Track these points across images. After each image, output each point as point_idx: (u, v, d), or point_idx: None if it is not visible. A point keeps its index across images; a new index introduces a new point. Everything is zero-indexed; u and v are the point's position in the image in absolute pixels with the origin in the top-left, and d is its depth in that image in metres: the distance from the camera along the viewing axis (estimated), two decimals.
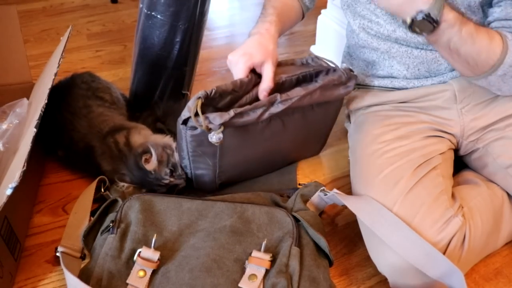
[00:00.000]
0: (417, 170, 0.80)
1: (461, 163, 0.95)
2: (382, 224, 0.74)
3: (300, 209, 0.85)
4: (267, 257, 0.74)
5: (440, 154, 0.85)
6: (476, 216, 0.78)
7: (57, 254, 0.79)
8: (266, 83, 0.84)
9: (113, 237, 0.76)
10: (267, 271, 0.73)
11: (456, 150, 0.93)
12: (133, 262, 0.74)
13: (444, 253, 0.72)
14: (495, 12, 0.79)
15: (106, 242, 0.76)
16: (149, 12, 1.08)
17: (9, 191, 0.67)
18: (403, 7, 0.73)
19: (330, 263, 0.79)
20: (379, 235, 0.73)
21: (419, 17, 0.71)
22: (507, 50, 0.74)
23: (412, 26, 0.73)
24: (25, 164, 0.70)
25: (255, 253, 0.75)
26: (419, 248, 0.71)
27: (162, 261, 0.74)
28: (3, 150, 0.85)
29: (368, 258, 0.80)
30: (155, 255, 0.73)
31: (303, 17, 1.01)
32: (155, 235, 0.76)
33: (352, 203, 0.79)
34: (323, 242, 0.78)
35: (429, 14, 0.70)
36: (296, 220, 0.81)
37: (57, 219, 0.93)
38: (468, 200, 0.81)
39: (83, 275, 0.72)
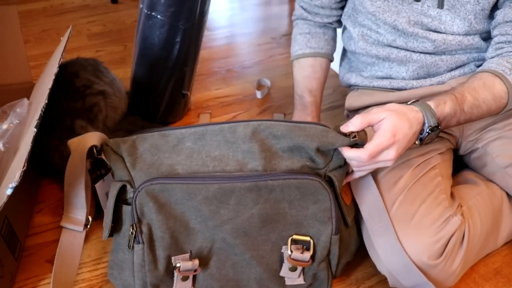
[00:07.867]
0: (416, 169, 0.80)
1: (461, 163, 0.95)
2: (376, 223, 0.75)
3: (336, 167, 0.73)
4: (307, 251, 0.73)
5: (439, 153, 0.85)
6: (475, 216, 0.78)
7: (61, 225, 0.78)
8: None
9: (141, 247, 0.71)
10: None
11: (455, 150, 0.93)
12: (173, 267, 0.73)
13: (442, 252, 0.73)
14: (497, 15, 0.79)
15: (136, 254, 0.72)
16: (149, 12, 1.08)
17: (9, 191, 0.67)
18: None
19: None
20: (369, 231, 0.75)
21: (424, 135, 0.71)
22: (509, 89, 0.76)
23: (422, 143, 0.73)
24: (25, 164, 0.70)
25: (294, 247, 0.73)
26: (398, 258, 0.73)
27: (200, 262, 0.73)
28: (3, 150, 0.85)
29: (368, 258, 0.81)
30: (194, 265, 0.72)
31: (332, 60, 1.04)
32: (186, 242, 0.72)
33: (357, 188, 0.79)
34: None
35: (429, 128, 0.71)
36: (331, 183, 0.73)
37: (57, 219, 0.93)
38: (467, 199, 0.81)
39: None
